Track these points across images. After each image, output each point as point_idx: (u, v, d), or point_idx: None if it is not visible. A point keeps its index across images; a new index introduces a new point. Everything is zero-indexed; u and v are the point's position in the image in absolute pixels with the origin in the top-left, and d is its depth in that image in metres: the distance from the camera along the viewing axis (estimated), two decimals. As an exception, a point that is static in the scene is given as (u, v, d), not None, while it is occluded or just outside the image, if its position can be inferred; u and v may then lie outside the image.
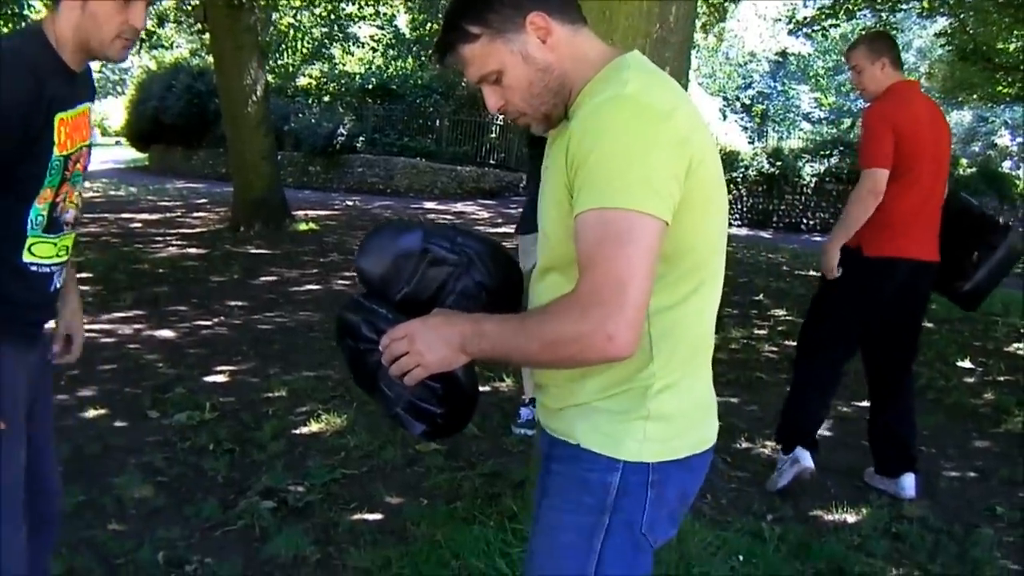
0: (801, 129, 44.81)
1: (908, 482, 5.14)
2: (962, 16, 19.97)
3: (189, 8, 21.06)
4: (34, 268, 2.70)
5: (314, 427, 5.85)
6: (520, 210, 6.54)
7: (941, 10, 19.52)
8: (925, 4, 18.75)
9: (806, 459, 5.10)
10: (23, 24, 23.62)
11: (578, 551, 2.00)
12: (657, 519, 2.01)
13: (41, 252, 2.70)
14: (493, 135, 28.15)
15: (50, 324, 2.96)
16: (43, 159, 2.58)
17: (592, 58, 2.01)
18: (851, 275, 5.00)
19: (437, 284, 2.13)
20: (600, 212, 1.77)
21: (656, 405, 1.96)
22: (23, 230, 2.63)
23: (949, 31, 21.71)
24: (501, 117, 2.11)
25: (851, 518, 4.87)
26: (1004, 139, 48.70)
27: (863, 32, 19.92)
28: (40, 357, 2.93)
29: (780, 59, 47.85)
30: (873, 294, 4.99)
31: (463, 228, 2.26)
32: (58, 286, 2.84)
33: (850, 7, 19.25)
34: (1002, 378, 8.23)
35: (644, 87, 1.88)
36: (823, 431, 6.24)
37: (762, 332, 9.75)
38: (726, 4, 22.03)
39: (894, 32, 23.07)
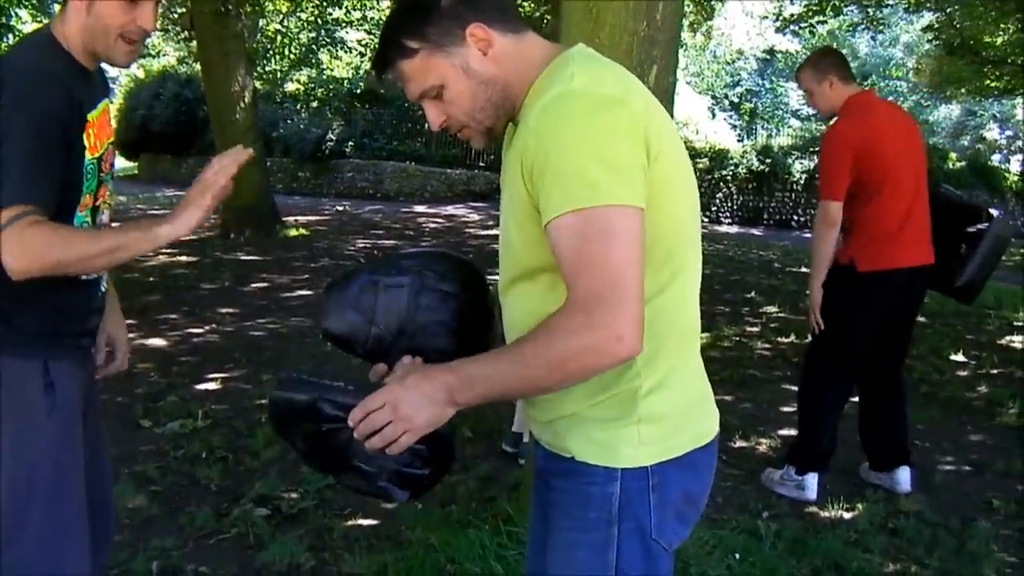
0: (790, 126, 44.80)
1: (903, 476, 5.13)
2: (949, 10, 20.00)
3: (176, 16, 21.02)
4: (84, 278, 2.66)
5: (308, 433, 5.82)
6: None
7: (928, 5, 19.59)
8: (912, -1, 18.77)
9: (811, 491, 5.08)
10: (11, 35, 23.55)
11: (594, 567, 1.96)
12: (664, 521, 1.96)
13: None
14: (482, 138, 28.10)
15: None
16: (79, 165, 2.54)
17: (537, 62, 1.95)
18: (848, 293, 4.95)
19: (402, 308, 2.07)
20: (574, 215, 1.71)
21: (647, 407, 1.91)
22: None
23: (936, 25, 21.74)
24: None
25: (847, 514, 4.87)
26: (993, 132, 48.80)
27: (851, 26, 20.01)
28: (89, 371, 2.91)
29: (768, 56, 47.84)
30: (873, 308, 4.96)
31: (404, 251, 2.23)
32: (103, 291, 2.83)
33: (837, 3, 19.28)
34: (996, 371, 8.24)
35: (591, 79, 1.83)
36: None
37: (754, 329, 9.74)
38: (713, 2, 22.05)
39: (880, 27, 23.20)
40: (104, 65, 2.71)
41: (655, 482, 1.92)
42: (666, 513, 1.95)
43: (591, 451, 1.93)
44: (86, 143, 2.55)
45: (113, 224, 2.83)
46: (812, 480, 5.08)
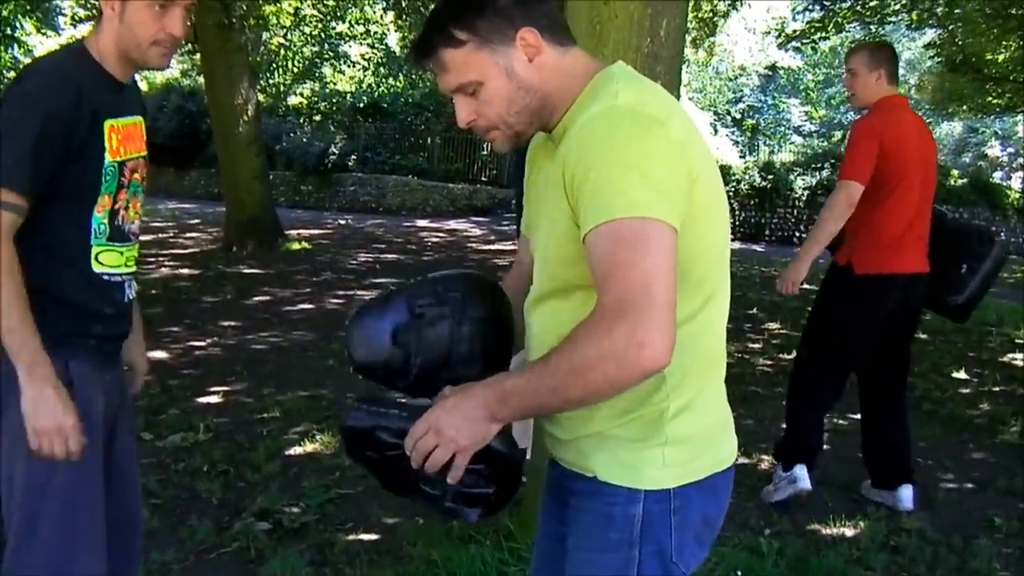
0: (792, 142, 44.92)
1: (906, 494, 5.12)
2: (951, 28, 20.03)
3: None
4: (106, 278, 2.70)
5: (308, 447, 5.83)
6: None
7: (930, 22, 19.58)
8: (914, 16, 18.78)
9: (804, 480, 5.07)
10: (15, 46, 23.59)
11: None
12: (684, 544, 1.94)
13: (109, 261, 2.70)
14: (485, 152, 28.09)
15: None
16: (96, 165, 2.60)
17: (579, 76, 1.94)
18: (844, 295, 5.02)
19: (445, 340, 2.03)
20: (610, 225, 1.70)
21: (673, 429, 1.89)
22: (87, 239, 2.63)
23: (938, 43, 21.78)
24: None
25: (849, 531, 4.86)
26: (994, 150, 48.83)
27: (854, 42, 20.06)
28: (119, 376, 2.92)
29: (770, 73, 47.95)
30: (869, 312, 4.99)
31: (435, 275, 2.18)
32: (131, 297, 2.84)
33: (839, 20, 19.30)
34: (997, 388, 8.23)
35: (636, 97, 1.83)
36: (819, 444, 6.24)
37: (756, 346, 9.74)
38: (716, 18, 22.07)
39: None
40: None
41: (676, 505, 1.90)
42: (686, 536, 1.94)
43: (615, 472, 1.91)
44: (107, 145, 2.61)
45: (140, 236, 2.89)
46: (801, 470, 5.06)
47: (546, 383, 1.76)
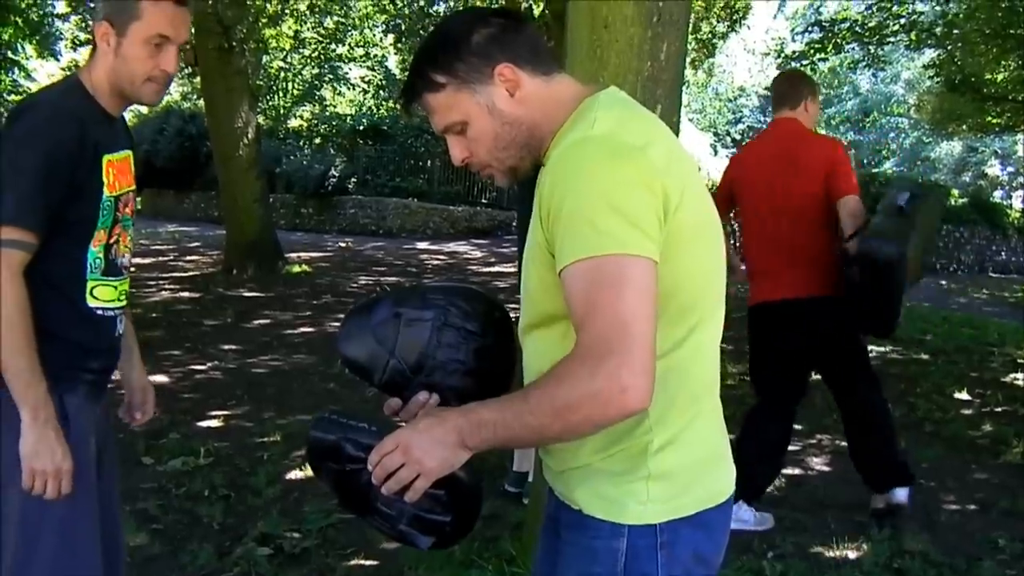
0: (791, 163, 45.00)
1: (900, 493, 5.06)
2: (950, 47, 20.11)
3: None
4: (100, 312, 2.71)
5: (309, 472, 5.78)
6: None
7: (929, 42, 19.66)
8: (913, 36, 18.86)
9: (747, 523, 5.04)
10: (16, 69, 23.66)
11: None
12: None
13: (103, 296, 2.71)
14: (485, 174, 28.10)
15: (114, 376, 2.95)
16: (94, 200, 2.61)
17: (566, 104, 1.93)
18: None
19: (422, 343, 2.03)
20: (586, 262, 1.68)
21: (657, 463, 1.85)
22: (83, 274, 2.64)
23: (937, 63, 21.86)
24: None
25: (852, 554, 4.83)
26: (994, 169, 48.94)
27: (850, 65, 20.20)
28: (104, 409, 2.92)
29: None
30: (760, 341, 5.33)
31: (430, 284, 2.19)
32: (121, 331, 2.85)
33: (838, 41, 19.38)
34: (1000, 409, 8.21)
35: (613, 125, 1.81)
36: (821, 466, 6.24)
37: (758, 367, 9.70)
38: (715, 40, 22.13)
39: (882, 64, 23.27)
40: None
41: (664, 540, 1.86)
42: (675, 572, 1.88)
43: (598, 505, 1.88)
44: (104, 180, 2.63)
45: (132, 262, 2.89)
46: (744, 510, 5.03)
47: (523, 419, 1.74)
